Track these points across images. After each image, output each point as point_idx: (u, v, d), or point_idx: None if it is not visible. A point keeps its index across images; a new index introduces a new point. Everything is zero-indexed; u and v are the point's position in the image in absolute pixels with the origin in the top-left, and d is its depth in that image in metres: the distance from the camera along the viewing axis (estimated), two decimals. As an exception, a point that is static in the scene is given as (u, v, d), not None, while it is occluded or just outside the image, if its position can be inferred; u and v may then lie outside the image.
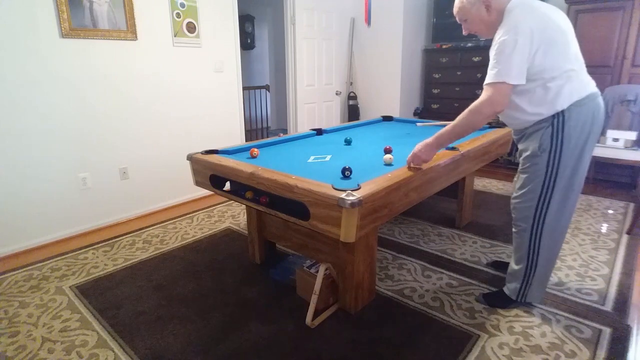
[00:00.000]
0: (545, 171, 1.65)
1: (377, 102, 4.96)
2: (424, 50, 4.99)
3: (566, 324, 1.81)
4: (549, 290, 2.08)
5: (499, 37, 1.55)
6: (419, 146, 1.81)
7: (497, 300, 1.96)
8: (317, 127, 3.14)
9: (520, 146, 1.78)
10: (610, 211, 3.17)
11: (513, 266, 1.89)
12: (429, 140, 1.80)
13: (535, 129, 1.66)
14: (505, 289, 1.96)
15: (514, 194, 1.81)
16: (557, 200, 1.68)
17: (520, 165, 1.77)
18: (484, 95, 1.60)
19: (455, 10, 1.75)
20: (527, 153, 1.70)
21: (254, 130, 6.32)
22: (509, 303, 1.94)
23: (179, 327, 1.84)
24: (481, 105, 1.61)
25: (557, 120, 1.59)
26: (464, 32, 1.79)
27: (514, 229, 1.86)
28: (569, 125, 1.58)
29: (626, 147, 3.45)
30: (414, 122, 3.45)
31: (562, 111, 1.58)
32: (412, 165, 1.84)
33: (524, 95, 1.63)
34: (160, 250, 2.62)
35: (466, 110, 1.67)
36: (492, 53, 1.58)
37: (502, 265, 2.29)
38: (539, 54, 1.52)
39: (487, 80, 1.58)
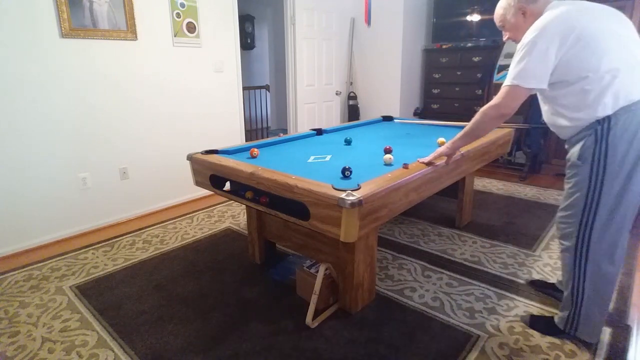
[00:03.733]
0: (587, 184, 1.48)
1: (377, 102, 4.97)
2: (424, 50, 4.99)
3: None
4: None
5: (522, 40, 1.50)
6: (444, 147, 1.87)
7: (543, 326, 1.79)
8: (317, 127, 3.14)
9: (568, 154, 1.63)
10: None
11: (564, 292, 1.71)
12: (448, 145, 1.85)
13: (579, 137, 1.52)
14: (555, 318, 1.77)
15: (560, 207, 1.65)
16: (603, 218, 1.49)
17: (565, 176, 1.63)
18: (495, 97, 1.56)
19: (494, 17, 1.71)
20: (569, 162, 1.57)
21: (254, 130, 6.32)
22: (555, 332, 1.74)
23: (179, 327, 1.84)
24: (488, 107, 1.59)
25: (601, 127, 1.43)
26: (504, 39, 1.74)
27: (559, 248, 1.69)
28: (614, 133, 1.41)
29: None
30: (413, 123, 3.45)
31: (608, 117, 1.42)
32: (430, 160, 1.90)
33: (561, 99, 1.52)
34: (160, 250, 2.62)
35: (477, 113, 1.66)
36: (514, 55, 1.51)
37: (546, 286, 2.07)
38: (568, 55, 1.42)
39: (504, 82, 1.53)
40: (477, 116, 1.66)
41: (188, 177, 2.46)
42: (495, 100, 1.57)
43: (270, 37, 6.71)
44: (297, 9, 4.16)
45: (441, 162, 1.92)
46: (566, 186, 1.59)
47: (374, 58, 4.87)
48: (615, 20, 1.50)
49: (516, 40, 1.64)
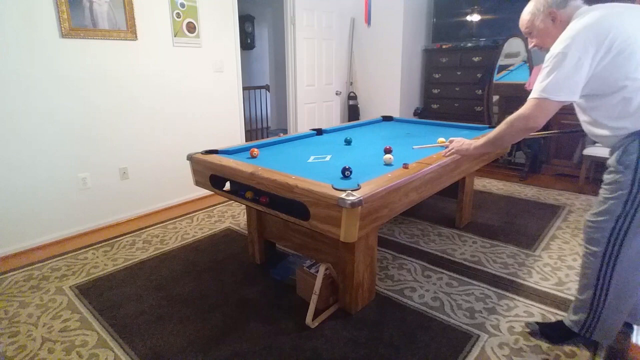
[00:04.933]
0: (629, 190, 1.40)
1: (377, 102, 4.96)
2: (424, 50, 4.99)
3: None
4: (549, 291, 2.08)
5: (551, 50, 1.44)
6: (465, 143, 1.91)
7: (554, 333, 1.73)
8: (317, 127, 3.14)
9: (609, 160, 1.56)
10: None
11: (577, 296, 1.66)
12: (471, 144, 1.87)
13: (621, 143, 1.44)
14: (565, 321, 1.70)
15: (590, 212, 1.57)
16: (638, 227, 1.42)
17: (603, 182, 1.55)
18: (524, 107, 1.50)
19: (520, 22, 1.64)
20: (609, 167, 1.49)
21: (254, 130, 6.32)
22: (568, 337, 1.70)
23: (179, 327, 1.84)
24: (516, 118, 1.53)
25: None
26: (530, 46, 1.65)
27: (583, 252, 1.61)
28: None
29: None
30: (414, 122, 3.45)
31: None
32: (449, 150, 1.99)
33: (601, 109, 1.46)
34: (160, 250, 2.62)
35: (504, 121, 1.61)
36: (543, 66, 1.46)
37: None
38: (603, 64, 1.36)
39: (531, 94, 1.48)
40: (502, 126, 1.61)
41: (188, 177, 2.46)
42: (524, 111, 1.50)
43: (270, 37, 6.70)
44: (297, 9, 4.16)
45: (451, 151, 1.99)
46: (601, 191, 1.51)
47: (374, 58, 4.87)
48: None
49: (543, 48, 1.58)
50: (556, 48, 1.41)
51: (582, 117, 1.58)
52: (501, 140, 1.67)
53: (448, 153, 2.01)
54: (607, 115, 1.45)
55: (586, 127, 1.58)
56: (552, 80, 1.40)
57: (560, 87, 1.40)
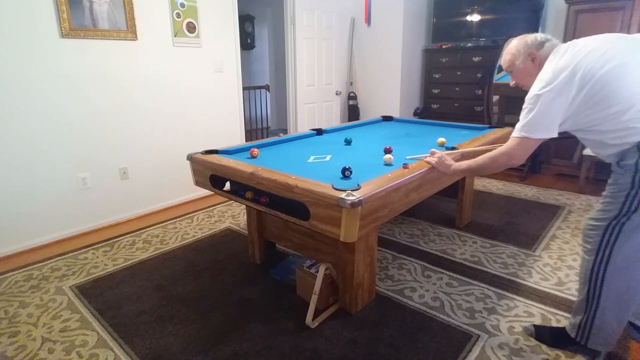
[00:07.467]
0: (627, 192, 1.41)
1: (377, 102, 4.97)
2: (424, 50, 4.99)
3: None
4: (549, 291, 2.08)
5: (529, 92, 1.53)
6: (445, 162, 1.91)
7: (549, 338, 1.72)
8: (317, 127, 3.14)
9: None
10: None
11: (577, 297, 1.66)
12: (451, 166, 1.90)
13: (620, 151, 1.46)
14: (567, 326, 1.69)
15: (593, 210, 1.59)
16: (635, 226, 1.42)
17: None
18: (507, 145, 1.61)
19: (502, 61, 1.73)
20: (612, 169, 1.50)
21: (254, 130, 6.32)
22: (563, 343, 1.68)
23: (179, 327, 1.84)
24: (500, 155, 1.64)
25: None
26: (511, 84, 1.75)
27: (580, 251, 1.64)
28: None
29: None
30: (414, 122, 3.45)
31: None
32: (428, 160, 1.97)
33: (600, 134, 1.47)
34: (160, 250, 2.62)
35: (488, 154, 1.71)
36: (523, 107, 1.54)
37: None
38: (581, 100, 1.42)
39: (513, 133, 1.59)
40: (486, 160, 1.71)
41: (188, 177, 2.46)
42: (507, 149, 1.60)
43: (270, 37, 6.70)
44: (297, 9, 4.16)
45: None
46: (605, 191, 1.52)
47: (374, 58, 4.87)
48: (633, 46, 1.43)
49: (524, 86, 1.64)
50: (533, 90, 1.51)
51: (584, 142, 1.61)
52: (482, 171, 1.78)
53: (425, 161, 1.98)
54: (606, 137, 1.46)
55: (591, 150, 1.62)
56: (530, 120, 1.50)
57: (538, 126, 1.50)
